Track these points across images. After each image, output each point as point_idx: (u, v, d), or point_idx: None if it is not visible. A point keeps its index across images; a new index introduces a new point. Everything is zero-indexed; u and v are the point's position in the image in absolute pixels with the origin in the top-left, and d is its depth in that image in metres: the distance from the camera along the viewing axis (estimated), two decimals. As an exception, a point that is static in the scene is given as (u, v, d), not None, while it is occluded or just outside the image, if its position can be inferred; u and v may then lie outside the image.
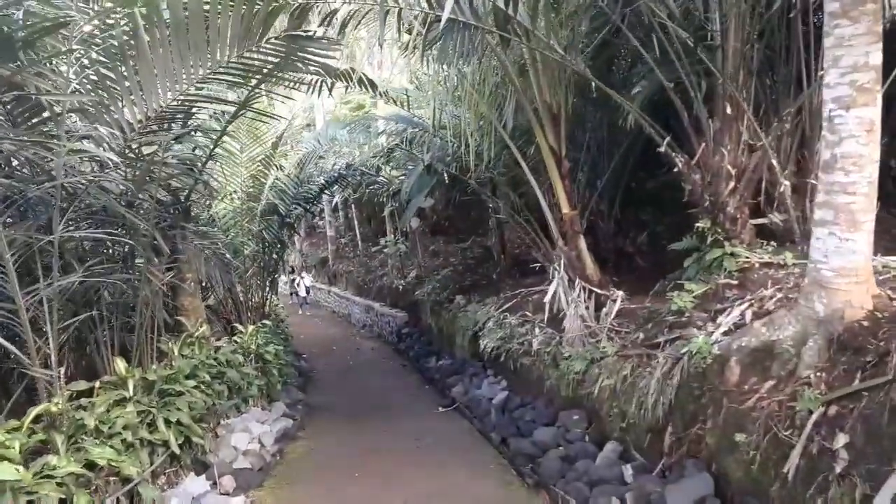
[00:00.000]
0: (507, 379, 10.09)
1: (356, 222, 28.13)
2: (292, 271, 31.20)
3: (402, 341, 17.80)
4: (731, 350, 5.10)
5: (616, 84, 8.67)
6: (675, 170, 6.89)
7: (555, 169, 8.51)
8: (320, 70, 10.22)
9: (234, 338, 10.28)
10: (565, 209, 8.67)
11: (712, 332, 5.57)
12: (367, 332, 22.12)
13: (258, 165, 11.98)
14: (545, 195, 9.09)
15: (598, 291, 8.43)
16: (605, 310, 8.12)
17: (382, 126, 13.25)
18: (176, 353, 7.66)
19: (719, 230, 6.50)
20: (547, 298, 8.50)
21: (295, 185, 12.68)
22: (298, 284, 26.97)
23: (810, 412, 4.07)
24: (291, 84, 10.57)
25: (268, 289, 14.05)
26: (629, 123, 7.63)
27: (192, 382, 7.12)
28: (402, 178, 17.45)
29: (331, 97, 20.87)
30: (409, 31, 8.50)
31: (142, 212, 6.33)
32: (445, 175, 14.62)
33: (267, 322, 11.27)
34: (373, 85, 10.14)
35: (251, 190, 12.31)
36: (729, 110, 6.30)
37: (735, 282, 6.20)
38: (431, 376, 13.70)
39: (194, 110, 6.54)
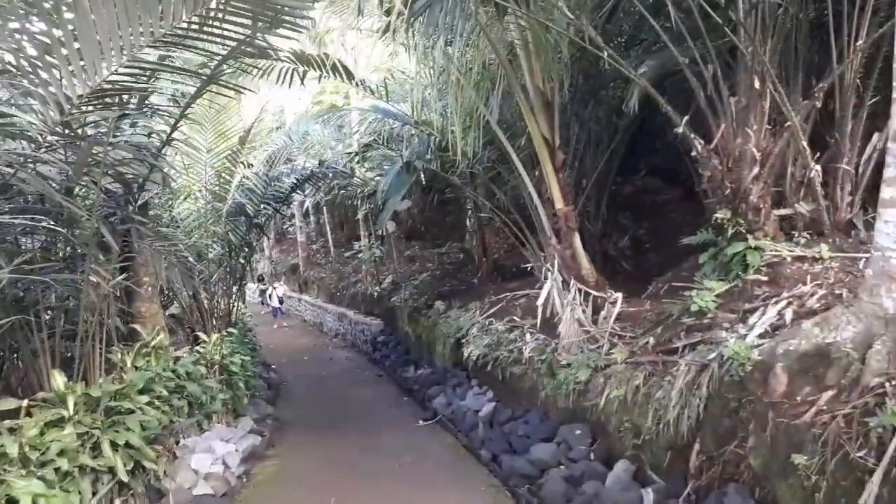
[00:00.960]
0: (495, 389, 9.38)
1: (328, 227, 27.25)
2: (261, 279, 30.14)
3: (377, 350, 16.99)
4: (775, 355, 4.43)
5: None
6: (693, 153, 6.23)
7: (548, 161, 7.86)
8: (291, 57, 9.54)
9: (197, 348, 9.41)
10: (559, 204, 8.01)
11: (745, 335, 4.93)
12: (340, 340, 21.24)
13: (224, 162, 11.13)
14: (536, 190, 8.43)
15: (595, 293, 7.78)
16: (603, 313, 7.47)
17: (357, 120, 12.47)
18: (129, 364, 6.81)
19: (741, 221, 5.88)
20: (540, 301, 7.81)
21: (264, 184, 11.84)
22: (271, 295, 25.62)
23: (895, 429, 3.42)
24: (260, 72, 9.87)
25: (234, 295, 13.16)
26: (632, 107, 6.99)
27: (145, 398, 6.28)
28: (378, 178, 16.73)
29: (301, 97, 20.12)
30: (388, 13, 7.78)
31: (87, 202, 5.49)
32: (423, 175, 13.99)
33: (233, 331, 10.42)
34: (348, 73, 9.40)
35: (216, 188, 11.45)
36: (757, 84, 5.67)
37: (765, 278, 5.58)
38: (410, 387, 12.94)
39: (149, 88, 5.73)
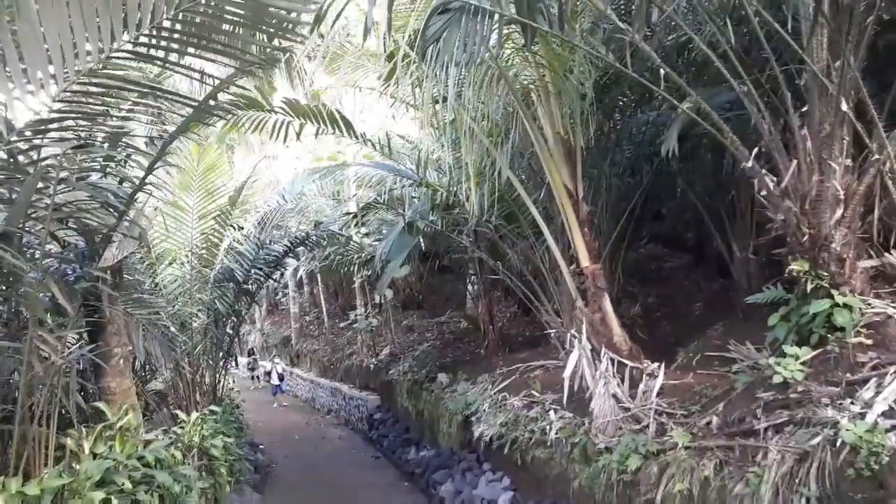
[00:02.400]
0: (512, 476, 8.23)
1: (322, 297, 26.24)
2: (252, 353, 28.74)
3: (374, 428, 15.73)
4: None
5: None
6: (763, 193, 5.40)
7: (572, 213, 7.06)
8: (285, 108, 8.86)
9: (176, 428, 8.29)
10: (585, 262, 7.15)
11: (861, 413, 3.98)
12: (333, 417, 19.91)
13: (212, 223, 10.30)
14: (558, 246, 7.57)
15: (630, 364, 6.81)
16: (641, 387, 6.48)
17: (354, 179, 11.71)
18: (86, 451, 5.73)
19: (823, 274, 5.00)
20: (566, 373, 6.82)
21: (255, 248, 10.98)
22: (270, 371, 23.45)
23: None
24: (252, 125, 9.17)
25: (220, 369, 12.07)
26: (671, 150, 6.18)
27: (100, 494, 5.17)
28: (376, 243, 15.92)
29: (297, 160, 19.54)
30: (392, 56, 7.13)
31: (35, 254, 4.58)
32: (423, 240, 13.20)
33: (215, 408, 9.30)
34: (347, 125, 8.70)
35: (203, 252, 10.57)
36: (844, 106, 4.88)
37: (868, 341, 4.67)
38: (411, 470, 11.72)
39: (119, 120, 4.93)
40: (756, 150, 5.38)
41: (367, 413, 16.57)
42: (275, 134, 9.31)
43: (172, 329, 10.46)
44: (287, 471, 13.52)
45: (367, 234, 17.35)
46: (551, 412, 7.33)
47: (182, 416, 8.61)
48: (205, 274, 10.95)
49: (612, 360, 6.68)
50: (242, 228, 11.33)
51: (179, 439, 8.00)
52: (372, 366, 17.87)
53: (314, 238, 11.28)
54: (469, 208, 8.19)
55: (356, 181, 14.83)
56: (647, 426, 5.82)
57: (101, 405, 6.56)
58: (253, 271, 11.29)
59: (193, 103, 4.63)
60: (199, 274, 10.81)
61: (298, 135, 9.19)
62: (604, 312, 7.10)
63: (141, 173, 5.58)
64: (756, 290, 9.98)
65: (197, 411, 8.75)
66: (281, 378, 22.78)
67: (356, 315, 19.08)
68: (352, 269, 17.88)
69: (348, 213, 12.41)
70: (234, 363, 24.29)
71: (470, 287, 16.45)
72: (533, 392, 8.38)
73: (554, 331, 8.14)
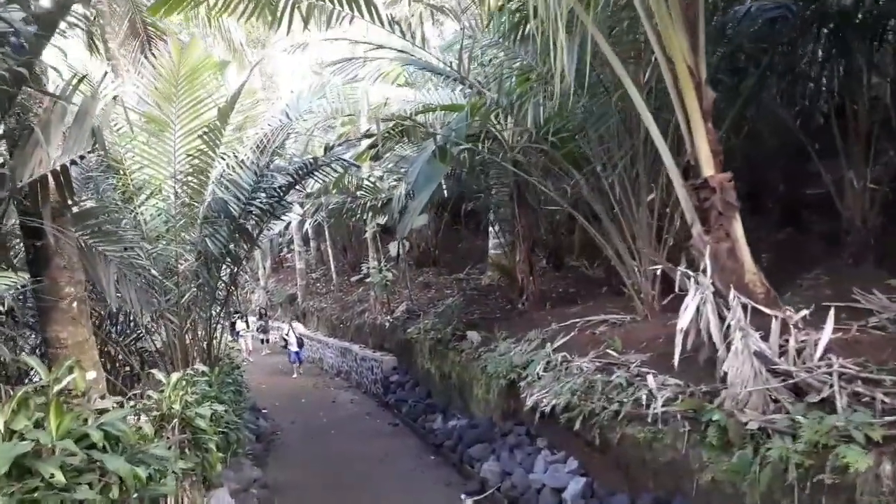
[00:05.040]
0: (581, 457, 6.41)
1: (330, 254, 24.43)
2: (262, 315, 26.84)
3: (390, 392, 14.00)
4: None
5: None
6: None
7: (693, 100, 5.04)
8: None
9: (151, 393, 6.48)
10: (709, 170, 5.15)
11: None
12: (343, 380, 18.23)
13: (198, 143, 8.34)
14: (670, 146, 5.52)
15: (767, 311, 4.87)
16: (791, 342, 4.57)
17: (374, 77, 9.55)
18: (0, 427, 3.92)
19: None
20: (681, 324, 4.92)
21: (253, 177, 9.02)
22: (287, 335, 20.00)
23: None
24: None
25: (214, 323, 10.25)
26: None
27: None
28: (394, 183, 13.99)
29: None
30: None
31: None
32: (446, 184, 11.26)
33: (201, 368, 7.45)
34: (370, 5, 6.64)
35: (189, 179, 8.64)
36: None
37: None
38: (438, 442, 9.99)
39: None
40: None
41: (381, 375, 14.83)
42: (275, 24, 7.28)
43: (154, 272, 8.61)
44: (294, 439, 11.85)
45: (381, 177, 15.42)
46: (649, 377, 5.46)
47: (160, 377, 6.78)
48: (192, 207, 9.04)
49: (745, 308, 4.78)
50: (238, 155, 9.36)
51: (153, 408, 6.20)
52: (387, 324, 16.11)
53: (324, 166, 9.31)
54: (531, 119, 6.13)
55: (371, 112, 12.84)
56: (830, 399, 3.95)
57: (31, 359, 4.70)
58: (252, 207, 9.34)
59: None
60: (186, 207, 8.91)
61: (306, 23, 7.16)
62: (733, 241, 5.12)
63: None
64: (874, 228, 8.14)
65: (177, 373, 6.89)
66: (300, 344, 19.52)
67: (368, 268, 17.20)
68: (364, 216, 15.94)
69: (369, 135, 10.33)
70: (244, 322, 22.53)
71: (500, 237, 14.54)
72: (609, 352, 6.51)
73: (665, 267, 6.10)
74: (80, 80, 5.09)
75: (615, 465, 5.71)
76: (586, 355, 6.86)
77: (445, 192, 13.47)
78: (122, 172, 8.67)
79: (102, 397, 5.13)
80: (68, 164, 4.96)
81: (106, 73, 8.23)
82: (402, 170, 12.87)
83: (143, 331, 9.42)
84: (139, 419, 5.77)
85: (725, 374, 4.55)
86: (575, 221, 15.44)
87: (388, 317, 16.38)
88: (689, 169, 5.47)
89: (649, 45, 5.52)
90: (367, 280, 17.84)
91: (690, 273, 5.19)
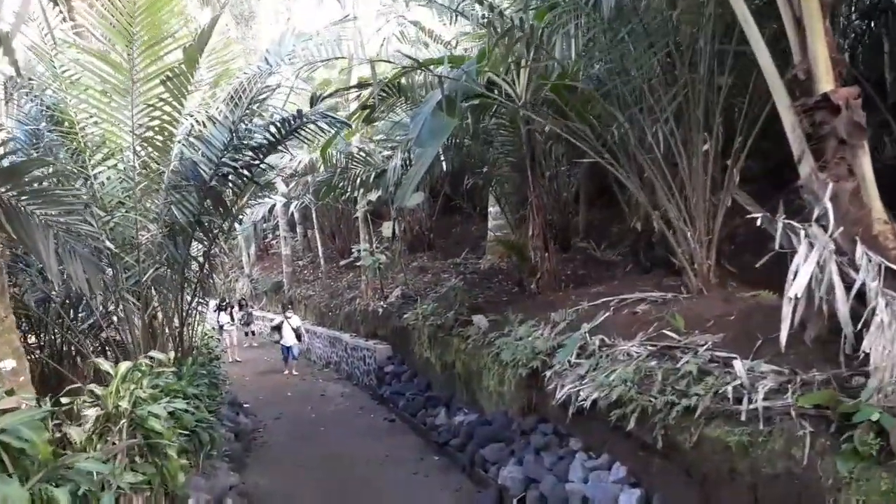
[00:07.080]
0: (629, 461, 5.17)
1: (318, 239, 23.09)
2: (243, 305, 25.26)
3: (384, 384, 12.75)
4: None
5: None
6: None
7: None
8: None
9: (93, 387, 5.18)
10: (827, 84, 3.90)
11: None
12: (332, 371, 16.91)
13: (160, 89, 6.98)
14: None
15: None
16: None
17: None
18: None
19: None
20: (791, 292, 3.68)
21: (227, 133, 7.68)
22: (281, 327, 16.25)
23: None
24: None
25: (187, 306, 8.93)
26: None
27: None
28: (389, 153, 12.70)
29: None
30: None
31: None
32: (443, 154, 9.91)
33: (157, 355, 6.10)
34: None
35: (151, 135, 7.28)
36: None
37: None
38: (442, 441, 8.74)
39: None
40: None
41: (375, 366, 13.56)
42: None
43: (109, 244, 7.25)
44: (278, 437, 10.55)
45: (373, 149, 14.11)
46: (736, 363, 4.22)
47: (107, 367, 5.46)
48: (156, 170, 7.69)
49: (881, 268, 3.56)
50: (209, 112, 7.99)
51: (97, 405, 4.90)
52: (380, 310, 14.81)
53: (309, 123, 7.97)
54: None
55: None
56: None
57: None
58: (226, 170, 7.97)
59: None
60: (147, 168, 7.56)
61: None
62: (858, 179, 3.88)
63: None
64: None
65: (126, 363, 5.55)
66: (298, 337, 16.23)
67: (359, 251, 15.86)
68: (355, 193, 14.59)
69: (362, 85, 8.93)
70: (228, 315, 20.81)
71: (505, 214, 13.30)
72: (668, 332, 5.26)
73: (756, 210, 4.80)
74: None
75: (684, 474, 4.48)
76: (632, 338, 5.62)
77: (444, 164, 12.25)
78: (69, 125, 7.30)
79: (9, 392, 3.81)
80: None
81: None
82: (398, 137, 11.56)
83: (101, 314, 8.09)
84: (69, 423, 4.49)
85: (857, 356, 3.33)
86: (577, 203, 14.43)
87: (382, 303, 15.11)
88: (795, 87, 4.21)
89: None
90: (358, 264, 16.51)
91: (797, 225, 3.95)
